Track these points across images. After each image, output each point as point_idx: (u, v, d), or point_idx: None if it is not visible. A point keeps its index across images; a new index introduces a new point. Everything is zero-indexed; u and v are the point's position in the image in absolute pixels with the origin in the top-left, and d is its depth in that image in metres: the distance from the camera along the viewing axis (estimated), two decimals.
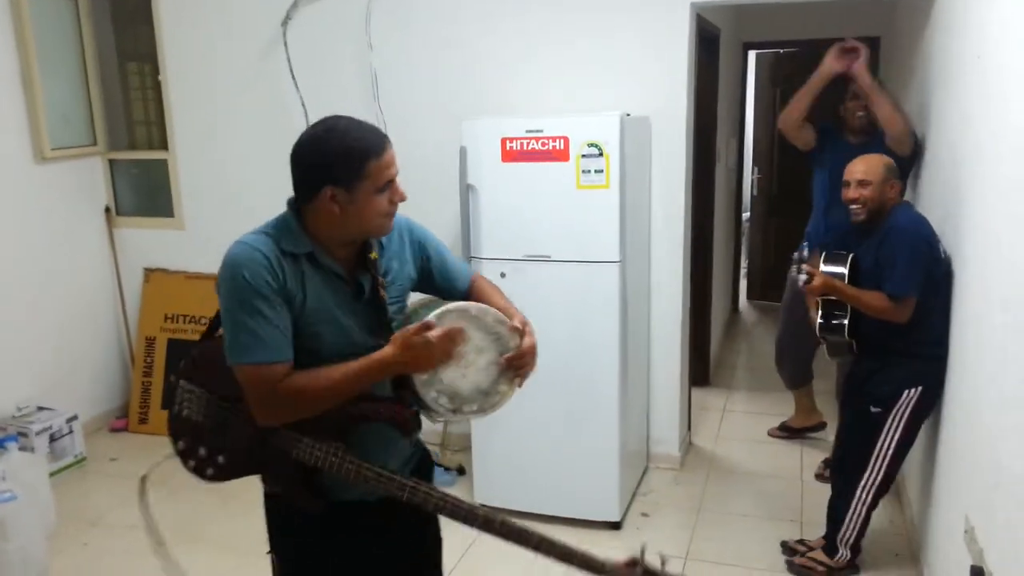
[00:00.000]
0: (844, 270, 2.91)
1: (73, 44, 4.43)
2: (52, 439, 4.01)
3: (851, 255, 2.94)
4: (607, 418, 3.36)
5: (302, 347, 1.62)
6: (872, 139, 3.55)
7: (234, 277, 1.57)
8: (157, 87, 4.49)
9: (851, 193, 2.90)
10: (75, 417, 4.12)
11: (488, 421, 3.52)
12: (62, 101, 4.36)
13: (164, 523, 3.43)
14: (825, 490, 3.18)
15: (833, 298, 2.91)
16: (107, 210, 4.65)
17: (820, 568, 3.06)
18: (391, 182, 1.64)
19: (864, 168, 2.89)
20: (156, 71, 4.45)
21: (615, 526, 3.44)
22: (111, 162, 4.65)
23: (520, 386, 1.79)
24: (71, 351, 4.40)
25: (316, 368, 1.61)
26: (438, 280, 1.87)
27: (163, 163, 4.55)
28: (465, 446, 3.87)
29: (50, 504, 3.55)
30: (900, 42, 4.67)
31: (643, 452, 3.94)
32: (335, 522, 1.73)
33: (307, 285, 1.63)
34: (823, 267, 2.92)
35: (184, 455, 1.74)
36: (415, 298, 1.88)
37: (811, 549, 3.14)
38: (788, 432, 4.31)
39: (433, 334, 1.60)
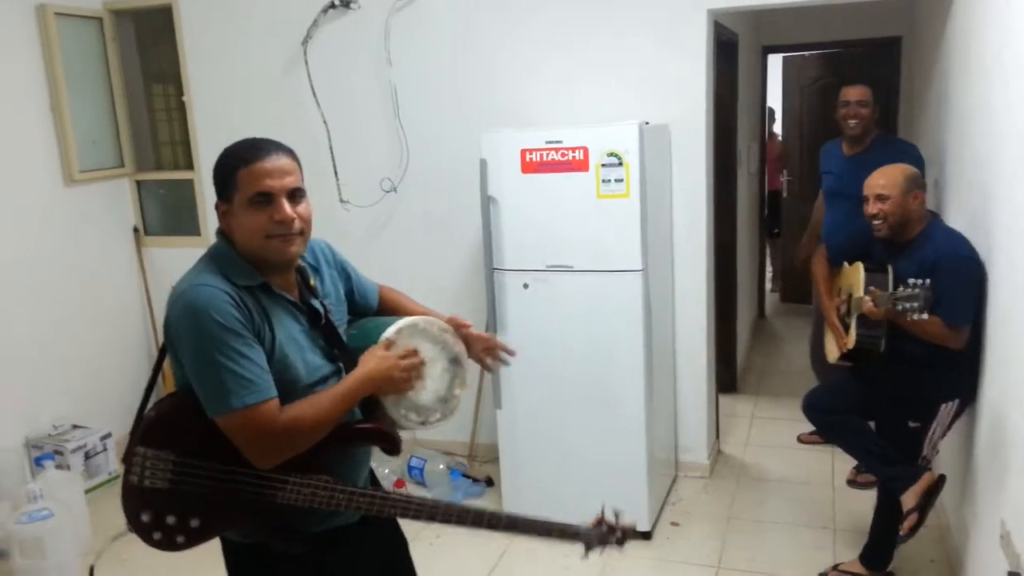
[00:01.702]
0: (889, 288, 2.79)
1: (99, 68, 4.51)
2: (87, 457, 4.07)
3: (889, 269, 2.83)
4: (634, 427, 3.35)
5: (276, 382, 1.56)
6: (868, 150, 3.55)
7: (202, 322, 1.49)
8: (182, 108, 4.56)
9: (870, 208, 2.80)
10: (109, 435, 4.18)
11: (516, 432, 3.55)
12: (90, 124, 4.44)
13: None
14: (857, 496, 3.14)
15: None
16: (135, 230, 4.72)
17: None
18: (265, 195, 1.56)
19: (883, 182, 2.80)
20: (180, 92, 4.52)
21: (645, 536, 3.43)
22: (138, 183, 4.73)
23: (505, 364, 1.93)
24: (103, 369, 4.47)
25: (299, 401, 1.58)
26: (358, 300, 1.89)
27: (189, 183, 4.62)
28: (493, 457, 3.87)
29: (85, 521, 3.60)
30: (921, 41, 4.64)
31: (672, 461, 3.92)
32: (315, 553, 1.69)
33: (272, 318, 1.59)
34: (865, 283, 2.80)
35: (149, 528, 1.57)
36: None
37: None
38: (820, 437, 4.26)
39: (397, 352, 1.68)
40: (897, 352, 2.82)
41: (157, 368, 1.79)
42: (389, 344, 1.69)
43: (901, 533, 2.83)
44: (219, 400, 1.51)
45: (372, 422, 1.73)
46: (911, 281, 2.57)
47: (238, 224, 1.60)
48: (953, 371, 2.74)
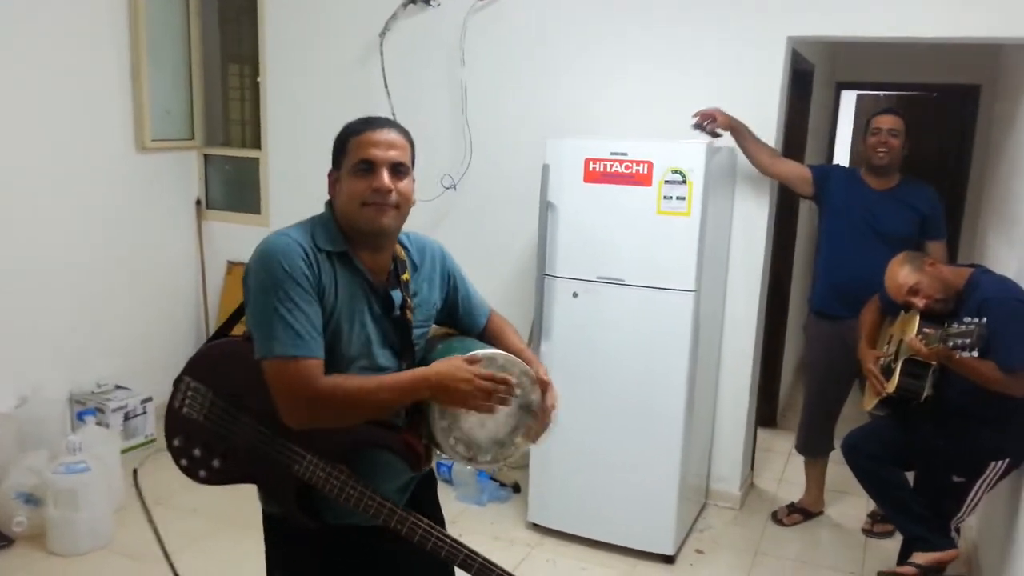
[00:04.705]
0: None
1: (181, 42, 4.63)
2: (126, 418, 4.15)
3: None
4: (669, 449, 3.30)
5: (325, 350, 1.57)
6: (899, 188, 3.44)
7: (270, 266, 1.54)
8: (255, 88, 4.65)
9: (919, 306, 2.79)
10: (149, 399, 4.26)
11: (549, 441, 3.51)
12: (166, 95, 4.56)
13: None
14: (887, 544, 3.07)
15: (918, 359, 2.75)
16: (198, 202, 4.82)
17: None
18: (368, 163, 1.62)
19: (901, 279, 2.81)
20: (255, 73, 4.61)
21: (668, 560, 3.38)
22: (206, 156, 4.83)
23: (536, 443, 1.74)
24: (152, 335, 4.56)
25: (350, 374, 1.58)
26: (461, 313, 1.87)
27: (255, 161, 4.71)
28: (523, 464, 3.85)
29: (119, 479, 3.66)
30: (1003, 91, 4.53)
31: (703, 488, 3.86)
32: (331, 544, 1.69)
33: (339, 284, 1.61)
34: (919, 328, 2.75)
35: (177, 453, 1.67)
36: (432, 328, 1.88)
37: None
38: (802, 514, 3.88)
39: (479, 372, 1.59)
40: (950, 403, 2.75)
41: (232, 321, 1.80)
42: (474, 360, 1.62)
43: (886, 570, 2.83)
44: (265, 343, 1.53)
45: (398, 429, 1.66)
46: (966, 319, 2.51)
47: (342, 190, 1.66)
48: (1007, 427, 2.65)
